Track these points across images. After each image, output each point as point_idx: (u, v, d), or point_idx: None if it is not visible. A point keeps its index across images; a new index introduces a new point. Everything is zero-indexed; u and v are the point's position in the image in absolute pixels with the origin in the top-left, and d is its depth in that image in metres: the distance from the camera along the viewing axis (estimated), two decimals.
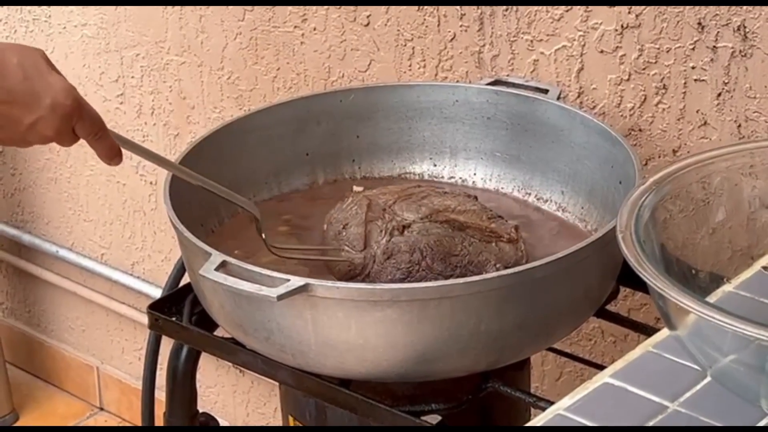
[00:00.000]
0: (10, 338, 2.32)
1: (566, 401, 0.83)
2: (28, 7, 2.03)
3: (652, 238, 0.84)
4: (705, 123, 1.38)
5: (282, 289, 1.07)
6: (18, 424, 2.24)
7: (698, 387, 0.82)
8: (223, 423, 2.07)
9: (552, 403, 1.10)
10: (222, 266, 1.10)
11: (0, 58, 1.03)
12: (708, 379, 0.82)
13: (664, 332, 0.89)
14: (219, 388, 2.06)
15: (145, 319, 2.05)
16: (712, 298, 0.90)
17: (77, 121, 1.07)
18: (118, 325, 2.17)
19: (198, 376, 1.91)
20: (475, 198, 1.29)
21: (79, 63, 2.00)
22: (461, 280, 1.10)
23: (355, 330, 1.10)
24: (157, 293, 1.95)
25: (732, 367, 0.76)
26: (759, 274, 0.92)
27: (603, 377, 0.85)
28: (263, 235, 1.22)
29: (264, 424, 2.05)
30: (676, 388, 0.82)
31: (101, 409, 2.25)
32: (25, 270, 2.27)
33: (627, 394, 0.83)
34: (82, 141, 1.10)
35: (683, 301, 0.73)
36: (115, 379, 2.22)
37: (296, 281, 1.08)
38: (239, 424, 2.07)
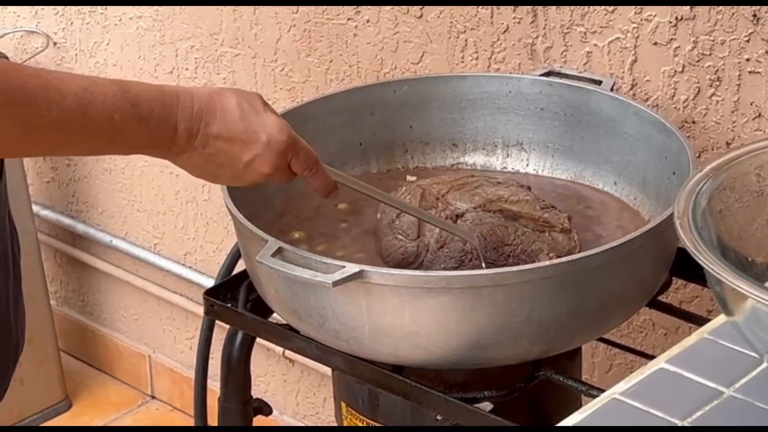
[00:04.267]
0: (63, 327, 2.35)
1: (621, 386, 0.83)
2: None
3: (709, 225, 0.84)
4: (759, 115, 1.38)
5: (337, 276, 1.08)
6: (70, 411, 2.27)
7: (754, 373, 0.83)
8: (283, 416, 2.09)
9: (604, 391, 1.11)
10: (278, 253, 1.12)
11: (219, 99, 1.06)
12: (765, 365, 0.82)
13: (719, 319, 0.90)
14: (269, 377, 2.08)
15: (196, 309, 2.09)
16: None
17: (292, 157, 1.10)
18: (170, 315, 2.20)
19: None
20: (528, 188, 1.30)
21: (135, 55, 2.03)
22: (515, 268, 1.11)
23: (409, 317, 1.11)
24: (208, 283, 1.97)
25: None
26: None
27: (658, 363, 0.85)
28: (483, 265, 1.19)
29: (313, 414, 2.06)
30: (732, 374, 0.83)
31: (153, 397, 2.28)
32: (79, 259, 2.30)
33: (682, 380, 0.83)
34: None
35: (741, 286, 0.74)
36: (166, 368, 2.24)
37: (351, 268, 1.09)
38: (289, 413, 2.09)
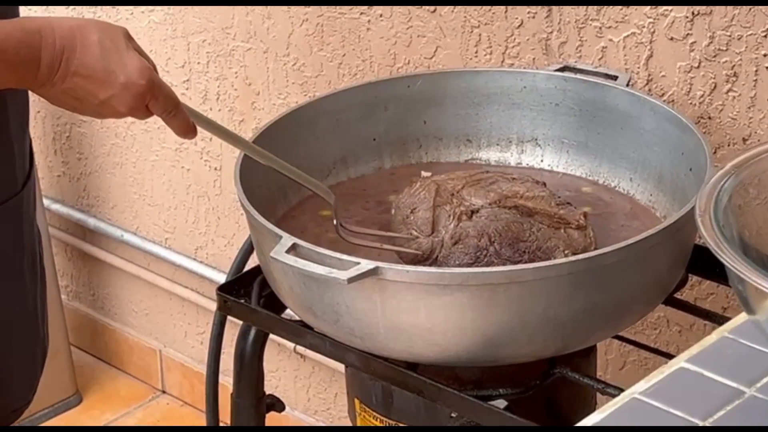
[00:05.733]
0: (74, 321, 2.35)
1: (641, 385, 0.82)
2: None
3: (731, 222, 0.83)
4: None
5: (352, 272, 1.07)
6: (81, 405, 2.26)
7: None
8: (294, 412, 2.08)
9: (620, 389, 1.10)
10: (292, 249, 1.11)
11: (81, 34, 1.06)
12: None
13: (740, 318, 0.89)
14: (281, 372, 2.08)
15: (208, 304, 2.08)
16: None
17: (150, 99, 1.09)
18: (181, 309, 2.19)
19: None
20: (544, 184, 1.29)
21: (146, 48, 1.99)
22: (531, 266, 1.10)
23: (424, 314, 1.10)
24: (220, 278, 1.97)
25: None
26: None
27: (678, 362, 0.84)
28: (335, 221, 1.23)
29: (325, 409, 2.06)
30: (753, 374, 0.82)
31: (163, 392, 2.28)
32: (89, 254, 2.29)
33: (703, 379, 0.82)
34: (155, 118, 1.12)
35: (764, 285, 0.73)
36: (177, 363, 2.24)
37: (366, 264, 1.08)
38: (300, 408, 2.08)
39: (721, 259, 0.76)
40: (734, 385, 0.81)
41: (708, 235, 0.78)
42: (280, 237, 1.12)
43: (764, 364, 0.82)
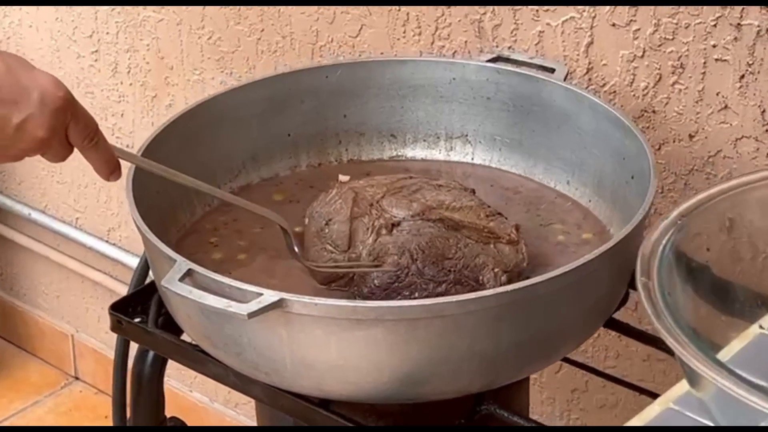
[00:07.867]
0: None
1: None
2: None
3: (675, 282, 0.72)
4: (725, 107, 1.26)
5: (254, 306, 0.95)
6: None
7: None
8: (213, 404, 1.97)
9: (547, 427, 0.99)
10: (188, 275, 0.99)
11: None
12: None
13: (685, 385, 0.78)
14: None
15: (121, 288, 1.95)
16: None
17: (71, 121, 0.95)
18: (94, 293, 2.06)
19: None
20: (473, 192, 1.17)
21: (52, 16, 1.87)
22: (454, 299, 0.98)
23: (335, 349, 0.99)
24: (133, 262, 1.84)
25: None
26: None
27: None
28: (295, 248, 1.11)
29: (246, 401, 1.95)
30: None
31: (76, 378, 2.15)
32: None
33: None
34: None
35: (706, 371, 0.62)
36: (90, 349, 2.11)
37: (270, 296, 0.96)
38: (220, 401, 1.97)
39: (665, 339, 0.65)
40: None
41: (650, 308, 0.67)
42: (174, 261, 1.00)
43: None
